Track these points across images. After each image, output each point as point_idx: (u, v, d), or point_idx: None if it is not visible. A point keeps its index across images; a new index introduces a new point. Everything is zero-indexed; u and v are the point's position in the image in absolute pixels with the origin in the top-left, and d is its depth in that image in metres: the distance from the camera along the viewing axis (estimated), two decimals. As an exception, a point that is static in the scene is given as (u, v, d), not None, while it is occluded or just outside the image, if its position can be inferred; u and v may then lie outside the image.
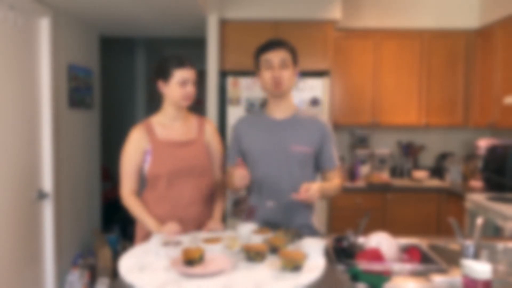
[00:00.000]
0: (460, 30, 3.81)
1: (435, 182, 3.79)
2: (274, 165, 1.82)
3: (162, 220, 1.82)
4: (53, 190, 2.92)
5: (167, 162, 1.82)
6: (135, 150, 1.85)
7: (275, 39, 1.85)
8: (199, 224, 1.87)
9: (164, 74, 1.80)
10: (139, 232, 1.90)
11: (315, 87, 3.39)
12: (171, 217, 1.83)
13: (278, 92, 1.80)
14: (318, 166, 1.89)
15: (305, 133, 1.82)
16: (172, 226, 1.70)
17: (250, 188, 1.92)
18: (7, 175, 2.47)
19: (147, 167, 1.85)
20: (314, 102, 3.38)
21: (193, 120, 1.96)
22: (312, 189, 1.64)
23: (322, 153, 1.85)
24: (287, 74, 1.78)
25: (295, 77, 1.85)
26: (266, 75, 1.79)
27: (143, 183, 1.91)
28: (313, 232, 1.85)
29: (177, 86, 1.79)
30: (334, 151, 1.89)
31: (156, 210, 1.85)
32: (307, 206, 1.88)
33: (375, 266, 1.44)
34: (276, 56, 1.77)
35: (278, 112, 1.86)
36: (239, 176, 1.69)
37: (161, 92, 1.85)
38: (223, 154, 2.01)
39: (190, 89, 1.81)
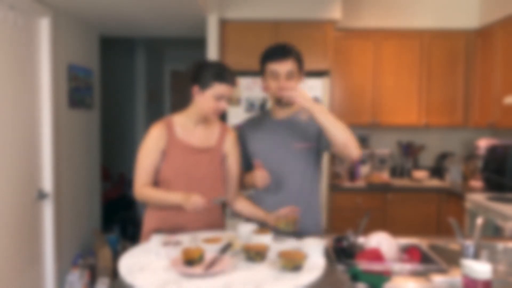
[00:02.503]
0: (460, 30, 3.81)
1: (435, 182, 3.79)
2: (280, 163, 1.84)
3: (162, 225, 1.82)
4: (53, 190, 2.92)
5: (180, 166, 1.77)
6: (152, 147, 1.78)
7: (281, 46, 1.80)
8: (200, 230, 1.85)
9: (202, 82, 1.71)
10: (144, 232, 1.88)
11: (315, 87, 3.39)
12: (174, 221, 1.82)
13: (283, 99, 1.80)
14: (327, 144, 1.78)
15: (304, 131, 1.84)
16: (197, 199, 1.62)
17: (257, 188, 1.93)
18: (7, 175, 2.47)
19: (161, 166, 1.80)
20: (314, 102, 3.38)
21: (215, 126, 1.88)
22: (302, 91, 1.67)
23: (323, 135, 1.76)
24: (292, 85, 1.76)
25: (299, 85, 1.83)
26: (272, 84, 1.79)
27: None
28: (319, 231, 1.87)
29: (211, 99, 1.71)
30: None
31: (159, 214, 1.83)
32: (315, 205, 1.87)
33: (375, 266, 1.44)
34: (282, 68, 1.75)
35: (280, 112, 1.88)
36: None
37: (193, 96, 1.78)
38: (241, 170, 1.93)
39: (223, 105, 1.74)
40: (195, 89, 1.74)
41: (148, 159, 1.78)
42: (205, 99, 1.72)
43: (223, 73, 1.70)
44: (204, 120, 1.82)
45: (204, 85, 1.71)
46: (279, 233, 1.70)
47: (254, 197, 1.95)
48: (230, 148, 1.88)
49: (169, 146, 1.78)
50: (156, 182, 1.83)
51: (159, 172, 1.81)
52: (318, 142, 1.83)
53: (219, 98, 1.71)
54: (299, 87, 1.70)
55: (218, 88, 1.70)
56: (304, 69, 1.85)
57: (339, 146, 1.67)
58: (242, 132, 1.96)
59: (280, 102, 1.82)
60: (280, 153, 1.84)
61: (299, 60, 1.80)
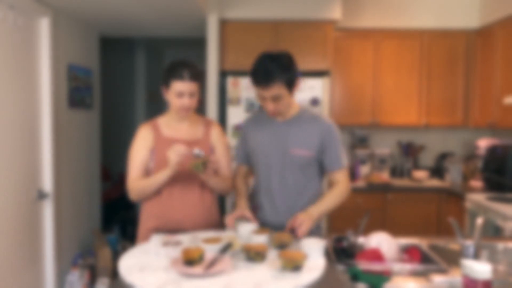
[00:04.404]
0: (460, 30, 3.81)
1: (435, 182, 3.79)
2: (276, 167, 1.82)
3: (158, 223, 1.85)
4: (53, 190, 2.92)
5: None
6: (141, 145, 1.87)
7: (264, 70, 1.65)
8: (196, 227, 1.87)
9: (165, 81, 1.82)
10: (140, 231, 1.90)
11: (315, 87, 3.39)
12: (168, 222, 1.84)
13: (277, 117, 1.82)
14: (322, 168, 1.85)
15: (304, 136, 1.79)
16: (178, 147, 1.68)
17: (255, 188, 1.93)
18: (7, 175, 2.47)
19: (151, 165, 1.86)
20: (314, 102, 3.38)
21: (199, 122, 1.96)
22: (304, 225, 1.62)
23: (325, 154, 1.80)
24: (282, 104, 1.72)
25: (292, 96, 1.76)
26: (262, 103, 1.76)
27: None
28: (319, 232, 1.88)
29: (173, 96, 1.81)
30: (339, 152, 1.82)
31: (155, 211, 1.85)
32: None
33: (375, 266, 1.44)
34: (267, 93, 1.68)
35: (279, 116, 1.83)
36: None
37: (164, 97, 1.87)
38: (229, 158, 2.00)
39: (186, 102, 1.80)
40: (163, 89, 1.85)
41: (137, 157, 1.86)
42: (170, 97, 1.83)
43: (179, 71, 1.77)
44: (184, 117, 1.89)
45: (167, 85, 1.81)
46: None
47: (253, 201, 1.94)
48: (216, 140, 1.95)
49: (157, 143, 1.86)
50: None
51: (151, 171, 1.86)
52: (318, 154, 1.80)
53: (179, 95, 1.79)
54: (306, 222, 1.63)
55: (176, 86, 1.78)
56: (296, 82, 1.73)
57: None
58: (245, 129, 1.97)
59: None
60: (276, 157, 1.82)
61: (286, 78, 1.67)
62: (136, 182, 1.83)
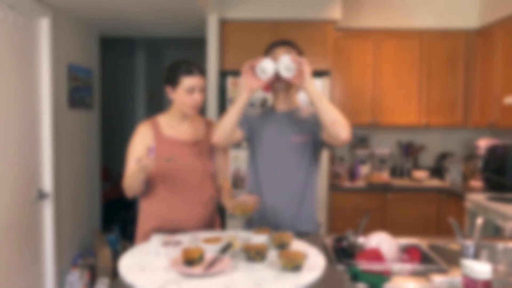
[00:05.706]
0: (460, 30, 3.81)
1: (435, 182, 3.79)
2: (276, 155, 1.85)
3: (158, 223, 1.85)
4: (53, 190, 2.92)
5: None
6: (139, 143, 1.84)
7: (282, 39, 1.93)
8: (196, 227, 1.87)
9: (172, 80, 1.79)
10: (139, 231, 1.90)
11: (315, 87, 3.39)
12: (168, 222, 1.84)
13: (281, 85, 1.84)
14: (321, 127, 1.79)
15: (301, 125, 1.86)
16: (144, 159, 1.61)
17: (254, 181, 1.92)
18: (7, 175, 2.47)
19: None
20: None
21: (200, 122, 1.95)
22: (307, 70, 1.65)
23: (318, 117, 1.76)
24: None
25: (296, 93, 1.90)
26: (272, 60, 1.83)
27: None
28: (315, 225, 1.89)
29: (184, 93, 1.78)
30: None
31: (155, 211, 1.85)
32: (310, 199, 1.88)
33: (375, 266, 1.44)
34: (284, 49, 1.84)
35: (281, 105, 1.91)
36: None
37: (170, 97, 1.84)
38: (228, 160, 2.00)
39: (198, 97, 1.79)
40: (168, 89, 1.82)
41: (135, 156, 1.83)
42: (179, 96, 1.80)
43: (188, 67, 1.77)
44: (186, 117, 1.88)
45: (174, 83, 1.79)
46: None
47: (253, 191, 1.94)
48: None
49: (156, 142, 1.84)
50: (148, 180, 1.84)
51: (150, 173, 1.81)
52: (314, 135, 1.84)
53: (190, 91, 1.78)
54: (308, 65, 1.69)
55: (187, 81, 1.77)
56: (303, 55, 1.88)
57: (327, 126, 1.70)
58: (249, 112, 1.94)
59: (280, 88, 1.86)
60: (276, 145, 1.86)
61: (299, 53, 1.89)
62: (125, 179, 1.78)
